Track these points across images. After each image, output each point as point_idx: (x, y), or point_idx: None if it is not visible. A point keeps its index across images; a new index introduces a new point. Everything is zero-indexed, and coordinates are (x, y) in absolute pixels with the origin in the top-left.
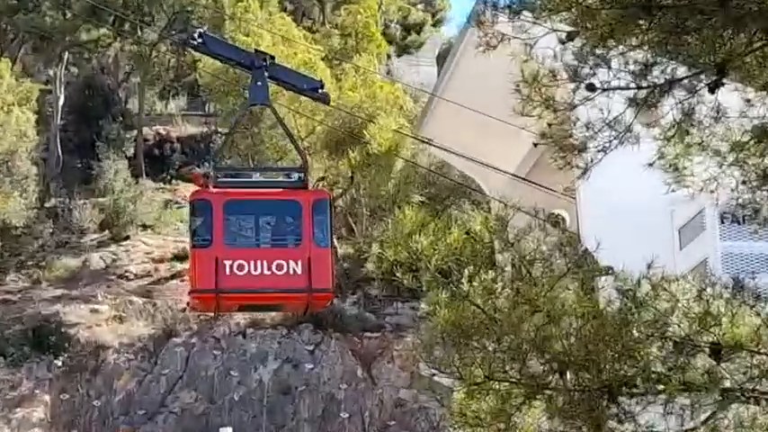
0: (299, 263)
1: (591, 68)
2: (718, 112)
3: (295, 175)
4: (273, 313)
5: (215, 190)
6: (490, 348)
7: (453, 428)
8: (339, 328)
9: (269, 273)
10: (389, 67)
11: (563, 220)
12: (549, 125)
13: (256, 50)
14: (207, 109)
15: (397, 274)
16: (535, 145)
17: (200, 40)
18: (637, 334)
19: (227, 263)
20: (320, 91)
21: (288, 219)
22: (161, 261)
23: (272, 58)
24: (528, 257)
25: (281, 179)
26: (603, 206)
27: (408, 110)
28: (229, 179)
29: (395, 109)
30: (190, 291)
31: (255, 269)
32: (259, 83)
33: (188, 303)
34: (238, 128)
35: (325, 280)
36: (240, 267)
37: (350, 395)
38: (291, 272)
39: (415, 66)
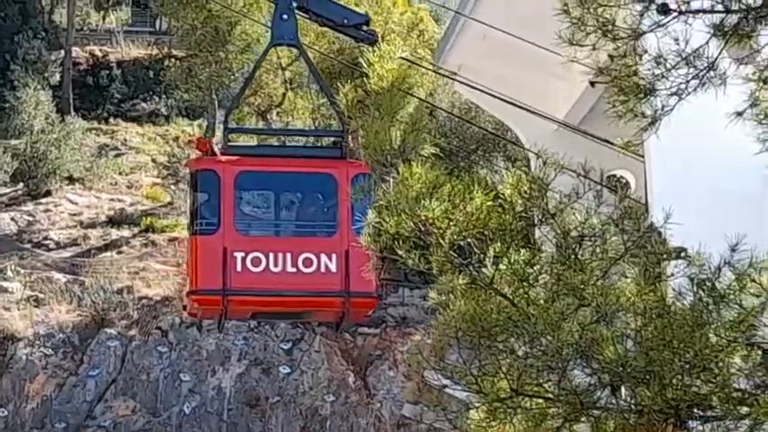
0: (334, 258)
1: None
2: None
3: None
4: None
5: (224, 158)
6: (520, 353)
7: None
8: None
9: (293, 270)
10: None
11: (626, 184)
12: (611, 57)
13: None
14: (158, 25)
15: (400, 252)
16: (592, 84)
17: None
18: (715, 339)
19: (239, 255)
20: (365, 29)
21: (319, 198)
22: (92, 226)
23: None
24: (574, 233)
25: (308, 145)
26: (677, 168)
27: (430, 35)
28: (242, 146)
29: (412, 34)
30: (188, 291)
31: (275, 264)
32: (284, 16)
33: (184, 307)
34: (259, 67)
35: (368, 281)
36: (255, 262)
37: (338, 410)
38: (323, 269)
39: None
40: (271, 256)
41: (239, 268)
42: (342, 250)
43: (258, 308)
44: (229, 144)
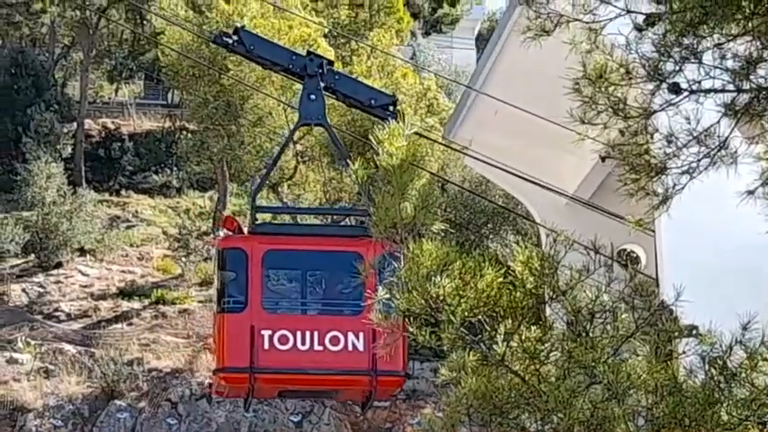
0: (361, 336)
1: (676, 64)
2: None
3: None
4: None
5: (251, 236)
6: (532, 430)
7: None
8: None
9: (320, 348)
10: (414, 49)
11: (636, 258)
12: (622, 134)
13: (310, 54)
14: (170, 98)
15: (410, 329)
16: (603, 160)
17: (235, 38)
18: (726, 417)
19: (266, 334)
20: (391, 109)
21: (346, 277)
22: (102, 298)
23: (331, 63)
24: (585, 310)
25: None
26: (689, 244)
27: (439, 107)
28: (270, 224)
29: (422, 104)
30: (215, 369)
31: (303, 343)
32: (312, 96)
33: (210, 386)
34: (286, 149)
35: (395, 359)
36: (283, 340)
37: None
38: (350, 347)
39: (447, 48)
40: (298, 334)
41: (266, 346)
42: (369, 329)
43: (285, 386)
44: (256, 223)
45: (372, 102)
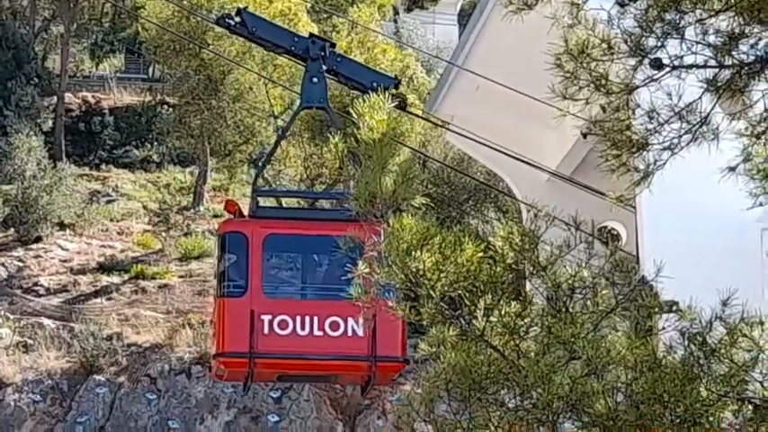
0: (361, 321)
1: (658, 39)
2: None
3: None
4: None
5: (252, 220)
6: (510, 405)
7: None
8: None
9: (320, 333)
10: (397, 26)
11: (617, 236)
12: (603, 110)
13: (313, 36)
14: (150, 72)
15: (390, 304)
16: (584, 136)
17: (237, 20)
18: (705, 393)
19: (266, 318)
20: (393, 92)
21: (347, 261)
22: (82, 272)
23: (333, 45)
24: (565, 286)
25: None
26: (670, 221)
27: (420, 83)
28: (270, 207)
29: (402, 81)
30: (215, 354)
31: (303, 328)
32: (315, 79)
33: (209, 368)
34: (288, 131)
35: (394, 345)
36: (283, 325)
37: None
38: (350, 333)
39: (430, 24)
40: (298, 319)
41: (266, 331)
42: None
43: (284, 371)
44: (257, 206)
45: (374, 84)
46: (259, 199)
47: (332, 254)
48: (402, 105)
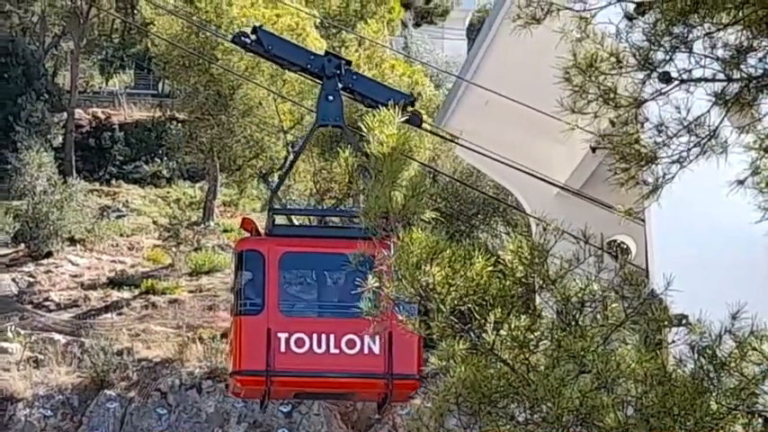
0: (377, 339)
1: (666, 53)
2: None
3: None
4: None
5: (268, 238)
6: (520, 419)
7: None
8: None
9: (336, 351)
10: (406, 40)
11: (627, 249)
12: (612, 123)
13: (329, 54)
14: (160, 88)
15: (400, 317)
16: (593, 150)
17: (253, 38)
18: (715, 406)
19: (283, 336)
20: (409, 109)
21: (362, 278)
22: (93, 287)
23: (349, 63)
24: (575, 299)
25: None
26: (679, 235)
27: (428, 97)
28: (287, 226)
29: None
30: (232, 372)
31: (319, 346)
32: (330, 97)
33: (227, 386)
34: (304, 149)
35: (409, 363)
36: (299, 343)
37: None
38: (366, 351)
39: (438, 39)
40: (314, 337)
41: (283, 349)
42: (384, 332)
43: (301, 389)
44: (274, 225)
45: (389, 102)
46: (275, 217)
47: (347, 271)
48: (418, 123)
